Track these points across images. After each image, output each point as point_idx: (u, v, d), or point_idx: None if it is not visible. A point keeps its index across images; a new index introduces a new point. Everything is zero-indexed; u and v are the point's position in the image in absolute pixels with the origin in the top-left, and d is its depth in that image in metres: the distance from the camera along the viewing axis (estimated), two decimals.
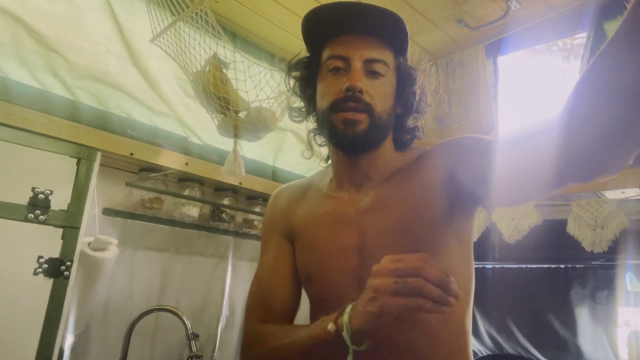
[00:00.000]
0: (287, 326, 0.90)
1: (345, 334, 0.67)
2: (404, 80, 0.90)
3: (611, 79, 0.53)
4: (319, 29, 0.89)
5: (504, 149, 0.73)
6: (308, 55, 0.95)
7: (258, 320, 0.92)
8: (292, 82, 0.98)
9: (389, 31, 0.86)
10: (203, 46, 1.40)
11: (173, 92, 1.77)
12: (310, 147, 1.00)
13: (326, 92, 0.87)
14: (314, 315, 0.93)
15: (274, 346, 0.83)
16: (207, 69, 1.43)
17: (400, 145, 0.94)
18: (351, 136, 0.83)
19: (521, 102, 2.00)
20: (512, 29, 1.85)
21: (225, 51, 1.41)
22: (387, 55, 0.87)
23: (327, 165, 1.02)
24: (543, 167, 0.64)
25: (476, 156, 0.81)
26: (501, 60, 2.02)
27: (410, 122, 0.94)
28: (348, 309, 0.69)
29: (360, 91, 0.82)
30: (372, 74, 0.85)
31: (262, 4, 1.77)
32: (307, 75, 0.94)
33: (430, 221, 0.84)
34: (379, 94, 0.85)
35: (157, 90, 1.71)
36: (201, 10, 1.34)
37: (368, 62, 0.85)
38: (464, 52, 2.01)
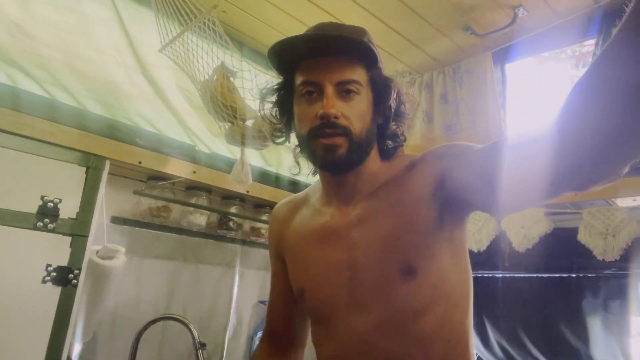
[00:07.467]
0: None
1: None
2: (380, 91, 0.89)
3: (609, 83, 0.51)
4: (287, 56, 0.88)
5: (498, 156, 0.72)
6: (281, 81, 0.94)
7: (261, 342, 1.08)
8: (267, 107, 0.98)
9: (357, 48, 0.85)
10: (211, 55, 1.41)
11: (181, 101, 1.78)
12: (298, 164, 1.00)
13: (302, 118, 0.86)
14: (313, 329, 0.98)
15: None
16: (214, 77, 1.44)
17: (385, 154, 0.94)
18: (332, 161, 0.84)
19: (529, 109, 1.99)
20: (520, 36, 1.85)
21: (233, 60, 1.42)
22: (359, 73, 0.86)
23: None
24: (537, 176, 0.63)
25: (466, 164, 0.80)
26: (509, 67, 2.01)
27: (391, 129, 0.93)
28: None
29: (336, 117, 0.81)
30: (347, 93, 0.84)
31: (270, 13, 1.79)
32: (283, 100, 0.94)
33: (420, 231, 0.83)
34: (355, 114, 0.84)
35: (165, 99, 1.73)
36: (209, 20, 1.35)
37: (340, 84, 0.83)
38: (472, 60, 2.01)
